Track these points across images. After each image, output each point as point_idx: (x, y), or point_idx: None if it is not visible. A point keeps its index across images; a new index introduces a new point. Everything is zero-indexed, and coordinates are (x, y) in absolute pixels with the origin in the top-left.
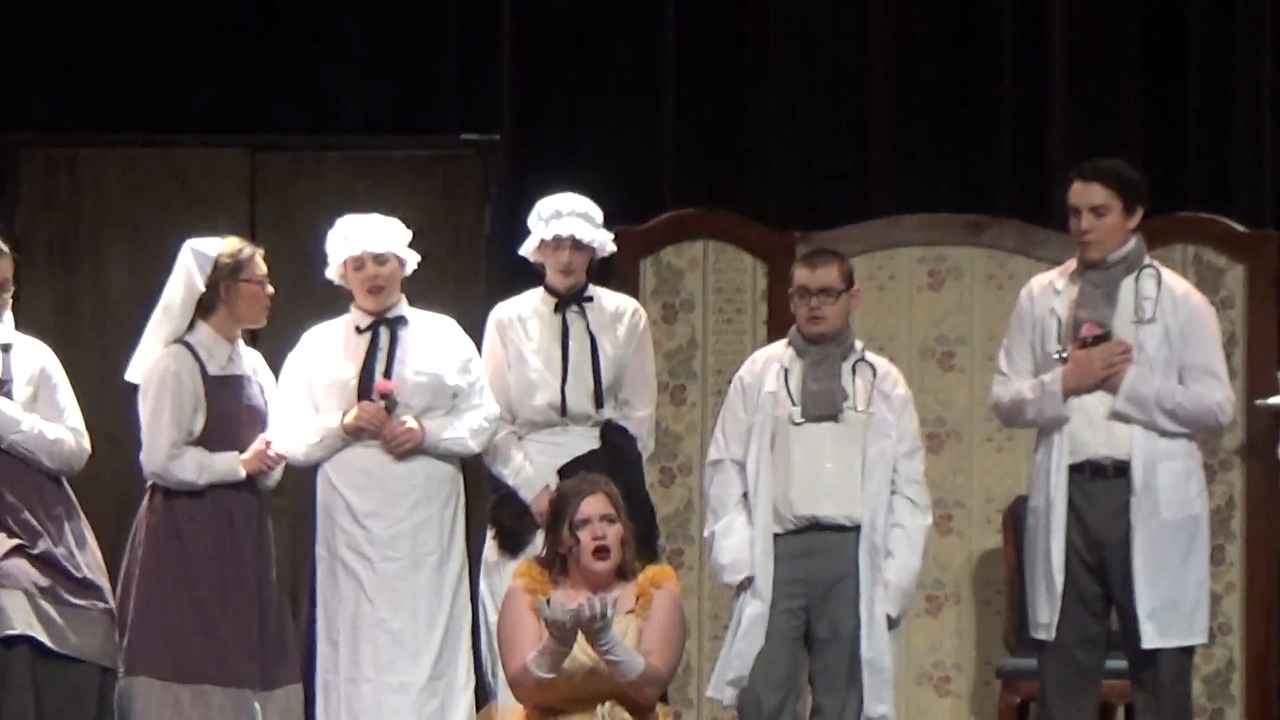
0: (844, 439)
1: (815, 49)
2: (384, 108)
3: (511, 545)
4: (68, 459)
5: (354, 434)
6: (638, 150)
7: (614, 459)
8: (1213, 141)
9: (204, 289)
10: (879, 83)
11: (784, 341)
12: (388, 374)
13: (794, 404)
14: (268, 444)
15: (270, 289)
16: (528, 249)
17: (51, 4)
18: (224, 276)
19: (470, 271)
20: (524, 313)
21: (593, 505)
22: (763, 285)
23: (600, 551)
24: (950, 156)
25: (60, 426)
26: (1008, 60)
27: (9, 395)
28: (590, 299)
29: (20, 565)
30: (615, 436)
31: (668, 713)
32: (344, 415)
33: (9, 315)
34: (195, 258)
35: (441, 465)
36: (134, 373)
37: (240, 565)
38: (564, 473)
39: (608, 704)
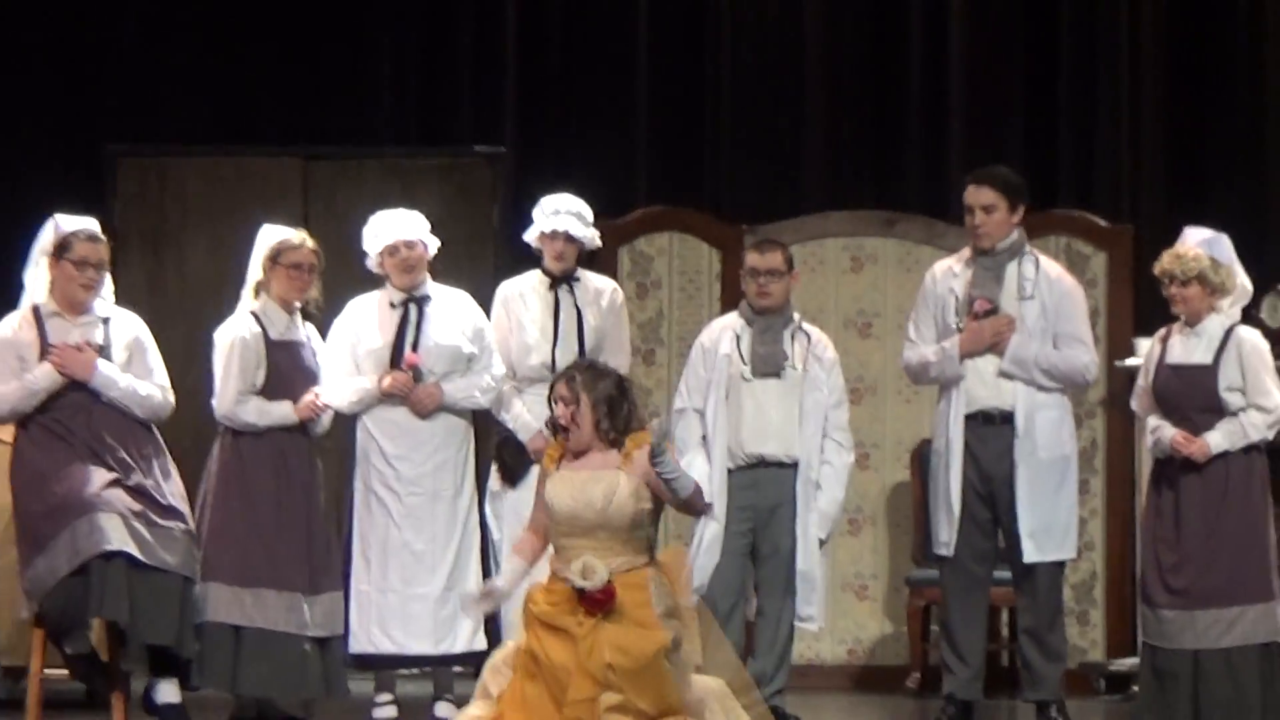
0: (785, 392)
1: (761, 80)
2: (412, 125)
3: (511, 478)
4: (156, 410)
5: (387, 396)
6: (617, 159)
7: None
8: (1081, 152)
9: (259, 268)
10: (811, 106)
11: (736, 313)
12: (415, 346)
13: (744, 363)
14: (316, 396)
15: (308, 275)
16: (530, 236)
17: (144, 42)
18: (267, 259)
19: (481, 257)
20: (524, 290)
21: (556, 389)
22: (717, 268)
23: (555, 427)
24: (869, 164)
25: (150, 384)
26: (916, 85)
27: (109, 358)
28: (578, 279)
29: (117, 494)
30: None
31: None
32: (380, 380)
33: (109, 292)
34: (260, 241)
35: (456, 418)
36: None
37: (293, 494)
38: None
39: (583, 558)
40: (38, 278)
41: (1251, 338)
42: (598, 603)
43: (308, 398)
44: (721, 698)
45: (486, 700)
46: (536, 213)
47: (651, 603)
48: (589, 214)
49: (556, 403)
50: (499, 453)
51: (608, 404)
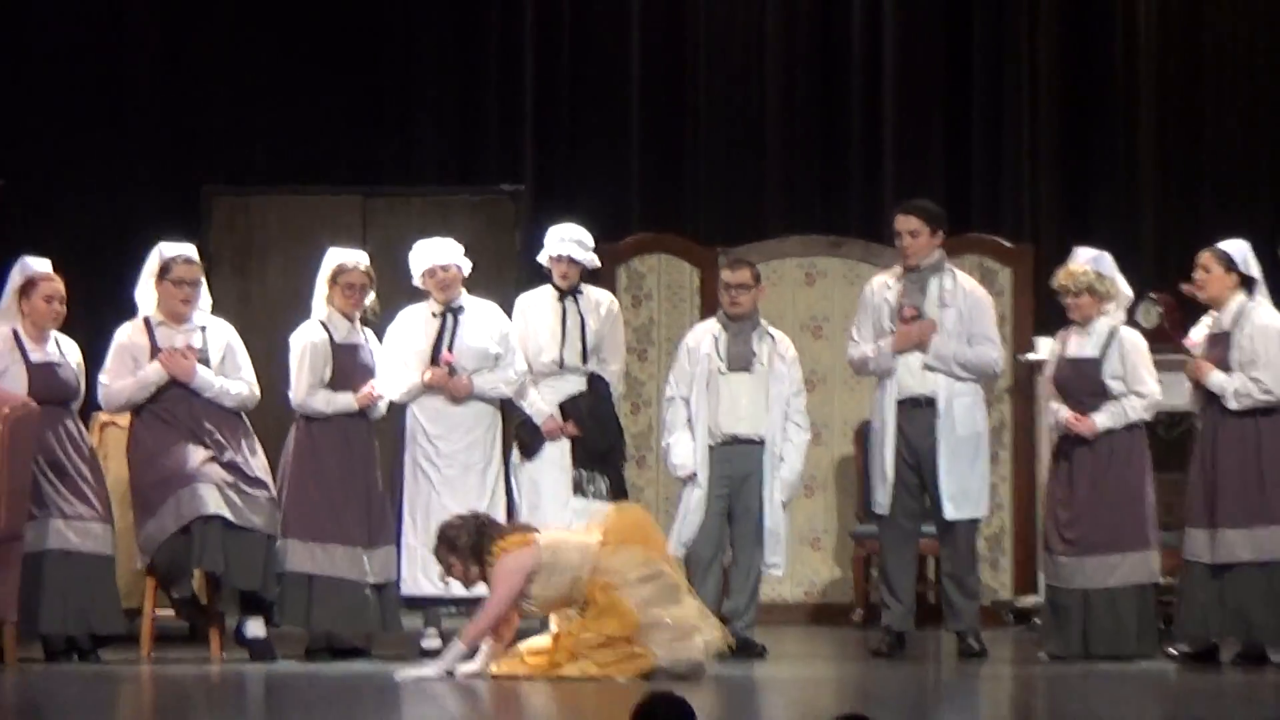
0: (754, 383)
1: (730, 131)
2: (450, 168)
3: (528, 453)
4: (245, 402)
5: (429, 388)
6: (615, 194)
7: (595, 397)
8: (990, 186)
9: (324, 285)
10: (771, 151)
11: (714, 319)
12: (450, 347)
13: (721, 360)
14: (373, 388)
15: (360, 292)
16: (542, 258)
17: (233, 103)
18: (329, 279)
19: (505, 275)
20: (538, 301)
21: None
22: (697, 283)
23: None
24: (819, 197)
25: (240, 381)
26: (856, 132)
27: (206, 362)
28: (581, 293)
29: (213, 468)
30: (596, 383)
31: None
32: (423, 375)
33: (206, 304)
34: (325, 263)
35: (485, 405)
36: None
37: (354, 467)
38: (563, 407)
39: (573, 609)
40: (146, 294)
41: (1131, 336)
42: None
43: (366, 389)
44: (682, 632)
45: (548, 634)
46: (547, 238)
47: (625, 589)
48: (589, 240)
49: (450, 568)
50: (518, 432)
51: (471, 551)
